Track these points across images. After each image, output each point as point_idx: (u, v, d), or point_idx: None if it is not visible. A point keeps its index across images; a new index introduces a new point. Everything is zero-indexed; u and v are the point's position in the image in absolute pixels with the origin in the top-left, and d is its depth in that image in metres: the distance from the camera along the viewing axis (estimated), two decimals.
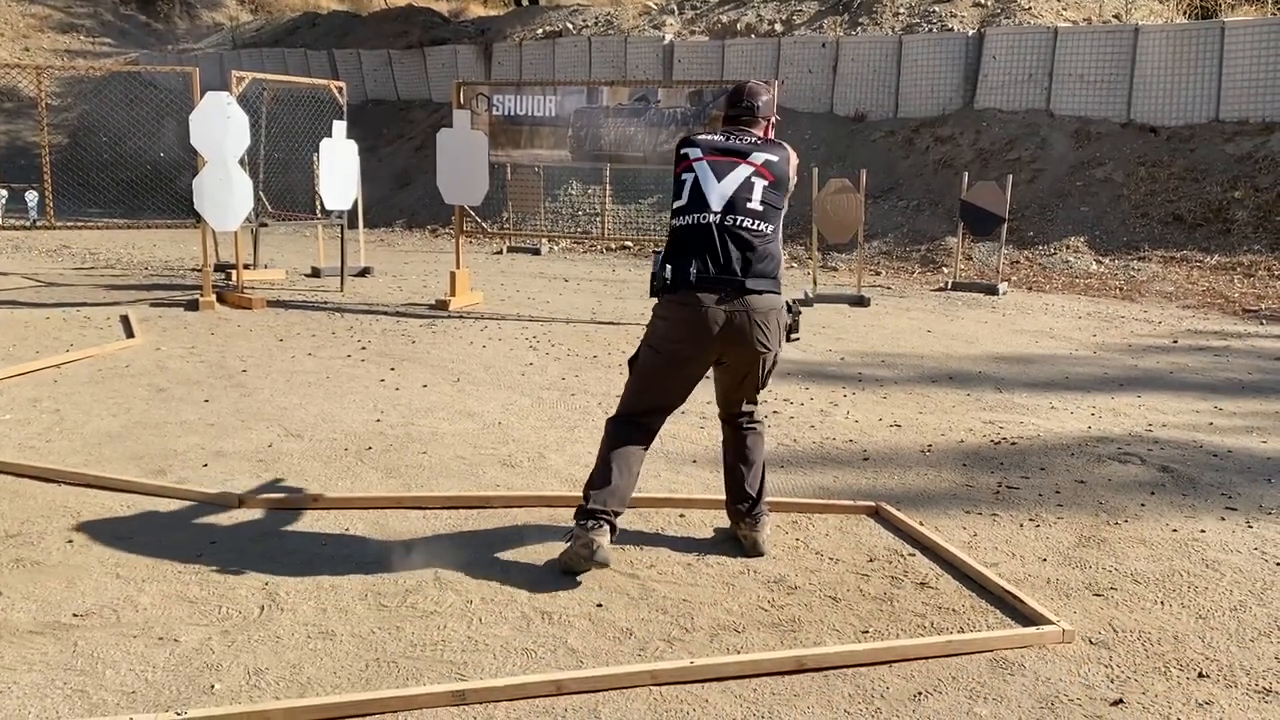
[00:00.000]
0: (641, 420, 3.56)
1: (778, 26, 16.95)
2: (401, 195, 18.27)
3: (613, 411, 3.65)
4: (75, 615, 3.06)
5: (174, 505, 4.02)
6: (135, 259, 12.74)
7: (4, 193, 12.69)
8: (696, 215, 3.44)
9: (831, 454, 4.97)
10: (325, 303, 9.46)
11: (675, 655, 2.88)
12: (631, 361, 3.61)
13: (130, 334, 7.61)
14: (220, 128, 8.50)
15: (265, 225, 11.33)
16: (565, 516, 3.94)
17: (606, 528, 3.37)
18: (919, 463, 4.84)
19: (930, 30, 15.32)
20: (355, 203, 10.63)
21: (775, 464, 4.75)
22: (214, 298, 8.99)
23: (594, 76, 16.72)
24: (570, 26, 19.70)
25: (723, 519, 3.97)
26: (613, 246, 14.33)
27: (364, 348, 7.33)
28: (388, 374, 6.48)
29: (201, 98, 8.57)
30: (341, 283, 10.38)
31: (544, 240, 14.10)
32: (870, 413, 5.76)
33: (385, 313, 8.97)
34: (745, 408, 3.66)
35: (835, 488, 4.45)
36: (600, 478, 3.44)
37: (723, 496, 4.23)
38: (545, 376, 6.51)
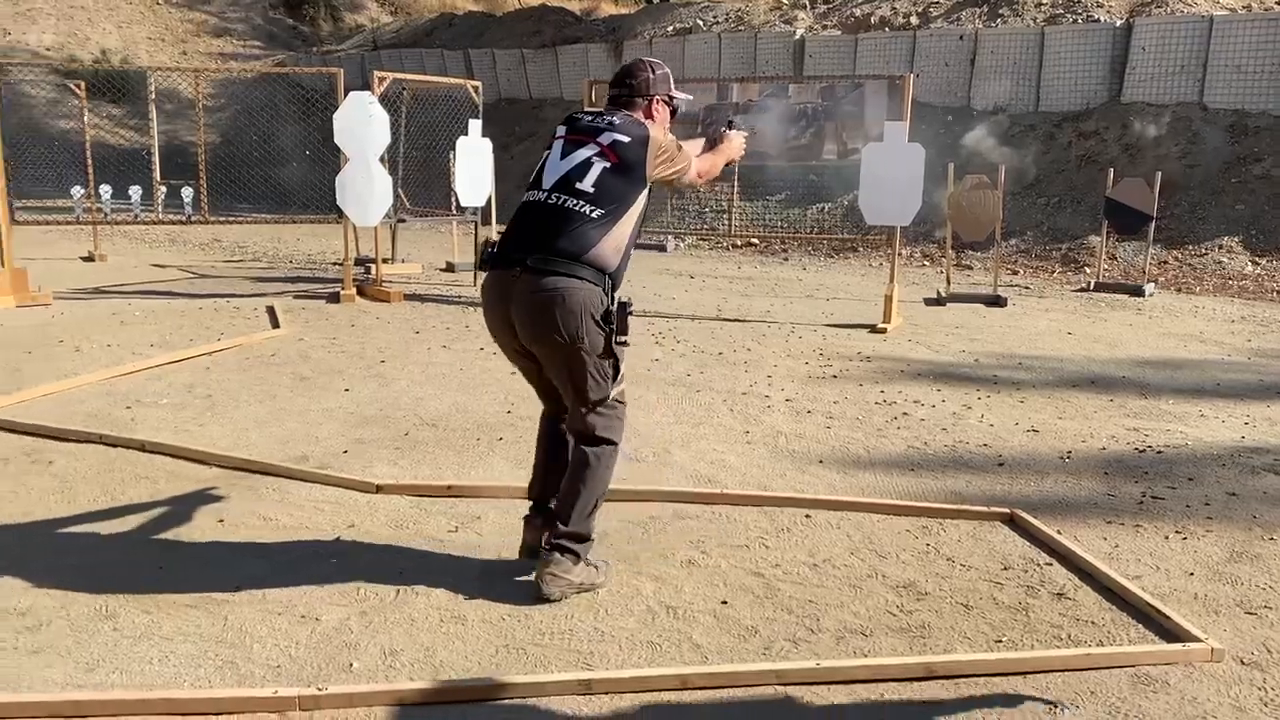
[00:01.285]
0: (545, 408, 3.52)
1: (913, 19, 16.57)
2: None
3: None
4: (226, 591, 3.22)
5: (316, 489, 4.19)
6: (281, 252, 13.31)
7: (163, 189, 13.45)
8: (531, 193, 3.31)
9: (964, 458, 4.84)
10: (459, 297, 9.70)
11: (800, 656, 2.86)
12: None
13: (276, 324, 7.96)
14: (362, 126, 8.80)
15: (403, 221, 11.69)
16: (691, 512, 3.97)
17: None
18: (1057, 469, 4.67)
19: (1075, 21, 14.75)
20: (489, 199, 10.87)
21: (905, 467, 4.67)
22: (354, 291, 9.33)
23: (724, 73, 16.65)
24: (700, 23, 19.69)
25: (852, 519, 3.93)
26: (739, 243, 14.27)
27: None
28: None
29: (345, 98, 8.89)
30: (475, 277, 10.62)
31: (670, 237, 14.14)
32: (1006, 416, 5.59)
33: None
34: (587, 418, 3.23)
35: (968, 493, 4.33)
36: None
37: (849, 497, 4.19)
38: (670, 372, 6.53)
